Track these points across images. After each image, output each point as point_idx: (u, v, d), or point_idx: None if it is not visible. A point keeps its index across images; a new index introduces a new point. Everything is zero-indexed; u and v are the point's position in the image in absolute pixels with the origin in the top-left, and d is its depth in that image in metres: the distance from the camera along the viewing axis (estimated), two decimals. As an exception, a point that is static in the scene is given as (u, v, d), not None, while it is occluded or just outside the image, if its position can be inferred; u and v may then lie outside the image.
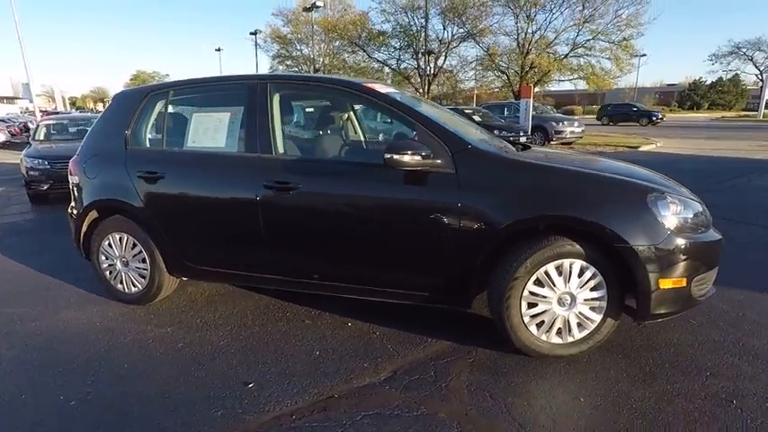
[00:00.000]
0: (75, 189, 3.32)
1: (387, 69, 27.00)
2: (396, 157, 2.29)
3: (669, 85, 63.76)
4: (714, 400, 2.06)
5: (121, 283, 3.25)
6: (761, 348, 2.50)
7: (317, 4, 27.96)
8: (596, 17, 18.76)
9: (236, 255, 2.88)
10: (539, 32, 20.27)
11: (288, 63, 33.85)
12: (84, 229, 3.28)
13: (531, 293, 2.31)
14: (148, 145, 3.20)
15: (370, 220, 2.53)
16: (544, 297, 2.31)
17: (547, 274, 2.28)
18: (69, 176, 3.39)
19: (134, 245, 3.12)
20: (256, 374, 2.36)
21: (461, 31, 23.88)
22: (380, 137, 5.77)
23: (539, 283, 2.30)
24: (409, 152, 2.29)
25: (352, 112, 3.78)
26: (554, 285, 2.29)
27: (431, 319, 2.85)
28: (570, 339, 2.37)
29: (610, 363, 2.37)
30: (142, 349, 2.65)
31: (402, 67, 26.17)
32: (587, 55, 19.95)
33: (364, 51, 26.81)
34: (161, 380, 2.33)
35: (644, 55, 26.10)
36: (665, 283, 2.19)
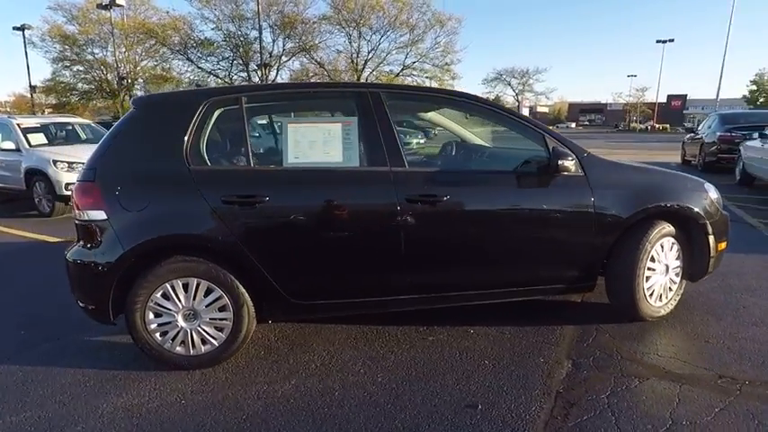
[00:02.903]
0: (96, 228, 2.39)
1: (217, 80, 25.10)
2: (564, 163, 2.52)
3: (450, 103, 76.97)
4: (765, 324, 2.94)
5: (182, 344, 2.50)
6: (747, 285, 3.58)
7: (118, 2, 24.18)
8: (419, 42, 21.67)
9: (371, 278, 2.59)
10: (373, 52, 22.16)
11: (78, 68, 27.93)
12: (116, 281, 2.40)
13: (648, 269, 2.83)
14: (210, 162, 2.56)
15: (519, 224, 2.66)
16: (654, 270, 2.87)
17: (656, 251, 2.84)
18: (78, 211, 2.42)
19: (208, 291, 2.46)
20: (464, 396, 2.23)
21: (291, 45, 24.10)
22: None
23: (652, 259, 2.84)
24: (568, 158, 2.56)
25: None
26: (659, 260, 2.87)
27: (535, 312, 3.11)
28: (665, 301, 2.99)
29: (686, 315, 3.07)
30: (300, 412, 2.16)
31: (233, 78, 24.73)
32: (415, 75, 22.80)
33: (189, 60, 24.27)
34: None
35: (461, 78, 31.30)
36: (721, 247, 3.02)
